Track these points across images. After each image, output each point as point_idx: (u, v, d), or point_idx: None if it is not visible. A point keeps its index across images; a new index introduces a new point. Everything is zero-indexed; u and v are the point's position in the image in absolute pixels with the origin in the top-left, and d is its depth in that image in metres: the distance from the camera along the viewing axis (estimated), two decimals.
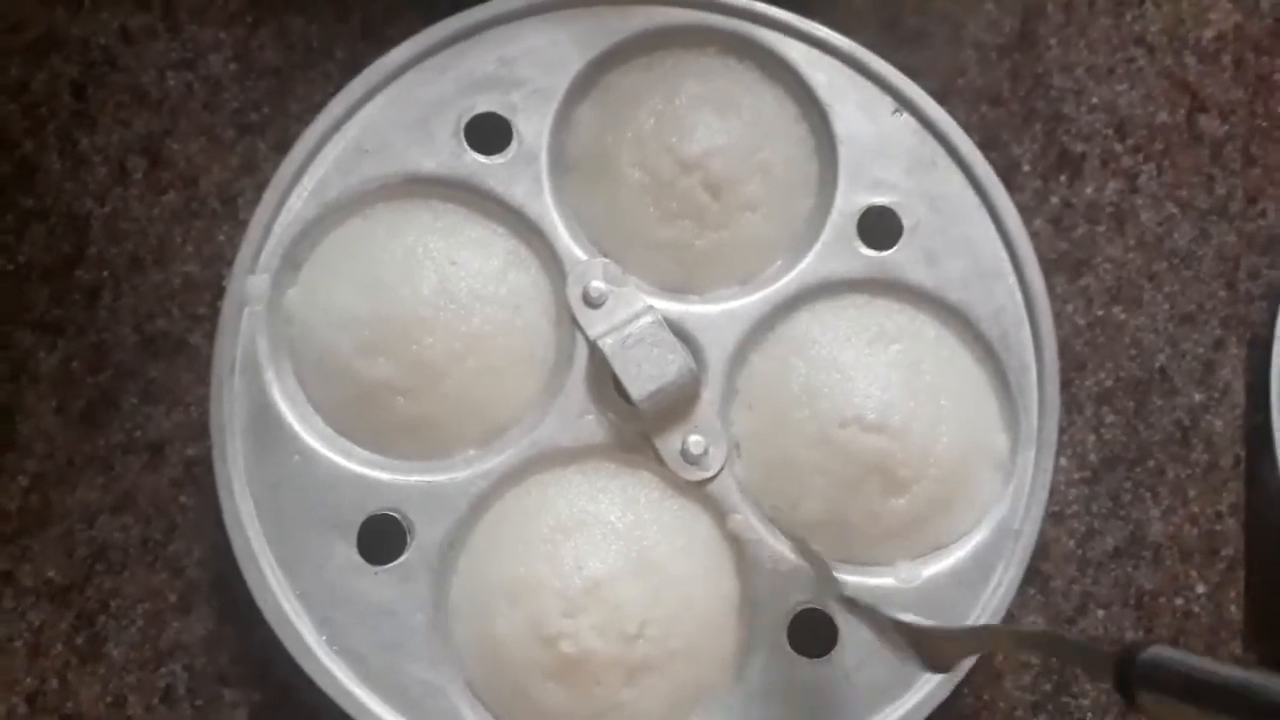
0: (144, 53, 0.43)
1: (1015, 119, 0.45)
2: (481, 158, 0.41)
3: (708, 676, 0.39)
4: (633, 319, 0.39)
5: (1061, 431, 0.42)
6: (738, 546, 0.39)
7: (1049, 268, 0.43)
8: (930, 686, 0.39)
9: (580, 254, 0.40)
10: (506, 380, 0.40)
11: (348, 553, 0.38)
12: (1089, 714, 0.42)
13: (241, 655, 0.40)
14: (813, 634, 0.39)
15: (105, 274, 0.42)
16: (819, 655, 0.39)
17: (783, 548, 0.39)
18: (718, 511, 0.40)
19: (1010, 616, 0.41)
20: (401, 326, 0.38)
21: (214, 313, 0.41)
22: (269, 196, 0.40)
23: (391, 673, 0.37)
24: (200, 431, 0.40)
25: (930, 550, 0.40)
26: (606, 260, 0.40)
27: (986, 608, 0.39)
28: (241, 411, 0.39)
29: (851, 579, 0.39)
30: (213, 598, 0.41)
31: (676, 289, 0.41)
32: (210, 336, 0.41)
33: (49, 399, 0.41)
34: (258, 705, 0.40)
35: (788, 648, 0.39)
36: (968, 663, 0.39)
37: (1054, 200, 0.45)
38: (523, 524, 0.39)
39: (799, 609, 0.39)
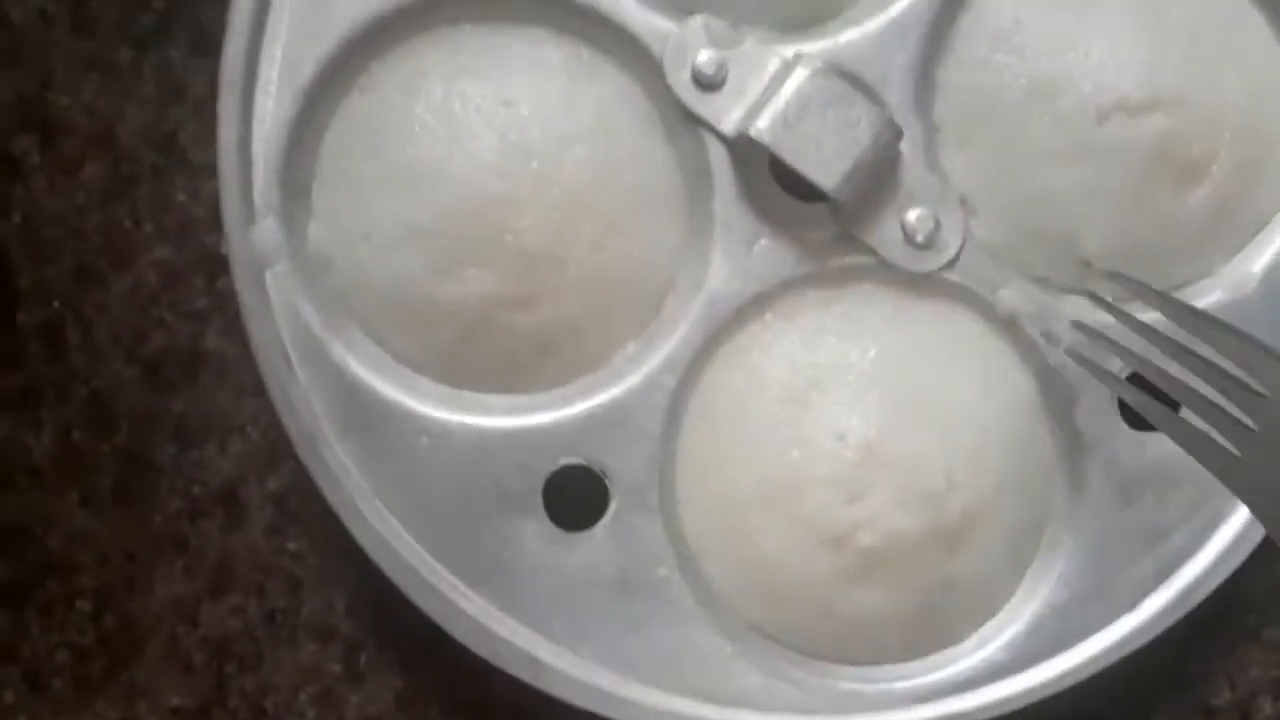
0: None
1: None
2: None
3: (1040, 503, 0.30)
4: (776, 83, 0.27)
5: None
6: (1016, 331, 0.29)
7: None
8: None
9: (662, 22, 0.28)
10: (638, 237, 0.29)
11: (539, 528, 0.28)
12: None
13: (452, 704, 0.31)
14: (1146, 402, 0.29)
15: (55, 304, 0.31)
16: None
17: (1074, 306, 0.29)
18: (976, 299, 0.29)
19: None
20: (478, 216, 0.28)
21: (217, 301, 0.31)
22: (225, 109, 0.27)
23: (652, 655, 0.28)
24: (273, 456, 0.30)
25: (1248, 239, 0.30)
26: (703, 16, 0.28)
27: None
28: (325, 410, 0.28)
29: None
30: (383, 650, 0.31)
31: (805, 22, 0.29)
32: (226, 333, 0.31)
33: (65, 492, 0.31)
34: None
35: (1125, 428, 0.29)
36: None
37: None
38: (740, 412, 0.29)
39: (1123, 375, 0.29)
